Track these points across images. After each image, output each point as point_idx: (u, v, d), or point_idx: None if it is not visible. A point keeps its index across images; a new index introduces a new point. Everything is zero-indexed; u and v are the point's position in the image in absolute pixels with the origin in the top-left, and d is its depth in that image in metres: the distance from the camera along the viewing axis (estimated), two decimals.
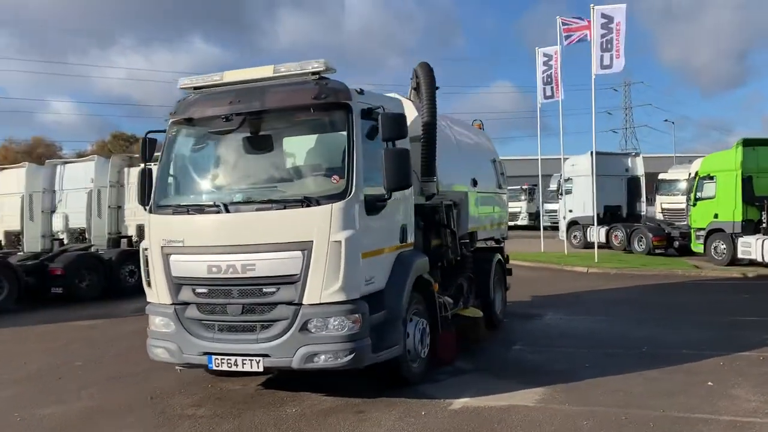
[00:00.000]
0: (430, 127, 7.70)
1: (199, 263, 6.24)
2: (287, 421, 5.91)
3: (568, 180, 25.57)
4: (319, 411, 6.15)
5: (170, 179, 6.78)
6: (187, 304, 6.35)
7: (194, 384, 7.16)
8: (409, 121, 7.70)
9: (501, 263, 10.51)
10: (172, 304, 6.40)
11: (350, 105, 6.19)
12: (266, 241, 6.04)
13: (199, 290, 6.27)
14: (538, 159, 25.26)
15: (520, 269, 18.82)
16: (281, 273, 5.98)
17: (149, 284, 6.58)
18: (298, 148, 6.57)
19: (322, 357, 5.91)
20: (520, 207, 39.42)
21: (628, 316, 10.87)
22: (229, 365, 6.14)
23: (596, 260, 19.13)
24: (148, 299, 6.65)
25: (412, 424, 5.71)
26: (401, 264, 6.77)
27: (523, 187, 39.93)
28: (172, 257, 6.38)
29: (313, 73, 6.31)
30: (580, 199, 24.74)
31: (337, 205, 5.94)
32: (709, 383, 6.60)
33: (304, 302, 5.93)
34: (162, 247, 6.42)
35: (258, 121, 6.40)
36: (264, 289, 6.04)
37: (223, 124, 6.35)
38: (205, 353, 6.24)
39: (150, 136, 6.95)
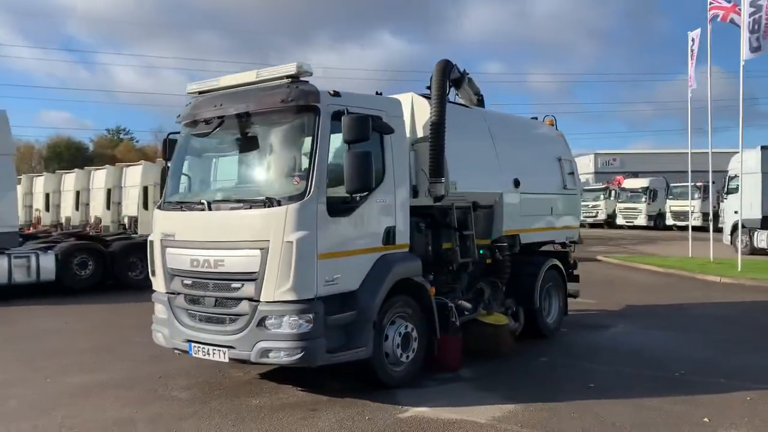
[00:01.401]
0: (436, 128, 7.53)
1: (185, 256, 6.71)
2: (241, 411, 6.18)
3: (734, 177, 23.12)
4: (277, 405, 6.36)
5: (174, 178, 7.32)
6: (176, 293, 6.84)
7: (206, 369, 7.63)
8: (422, 122, 7.66)
9: (557, 269, 9.90)
10: (167, 293, 6.93)
11: (318, 107, 6.28)
12: (233, 239, 6.35)
13: (185, 281, 6.73)
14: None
15: (647, 275, 17.74)
16: (244, 270, 6.25)
17: (153, 273, 7.17)
18: (273, 149, 6.76)
19: (276, 353, 6.09)
20: (692, 206, 36.36)
21: (710, 334, 9.73)
22: (204, 354, 6.53)
23: (739, 269, 17.20)
24: (153, 287, 7.25)
25: (348, 427, 5.72)
26: (381, 266, 6.73)
27: (697, 184, 36.79)
28: (167, 250, 6.91)
29: (288, 77, 6.48)
30: (747, 200, 22.28)
31: (293, 207, 6.07)
32: (705, 419, 5.82)
33: (261, 299, 6.15)
34: (161, 240, 6.98)
35: (236, 124, 6.71)
36: (232, 285, 6.35)
37: (204, 127, 6.78)
38: (188, 341, 6.69)
39: (171, 137, 7.55)
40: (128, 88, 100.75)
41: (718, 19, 18.42)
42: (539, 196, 9.55)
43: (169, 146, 7.53)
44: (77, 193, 27.02)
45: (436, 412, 6.07)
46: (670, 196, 38.25)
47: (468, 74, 9.15)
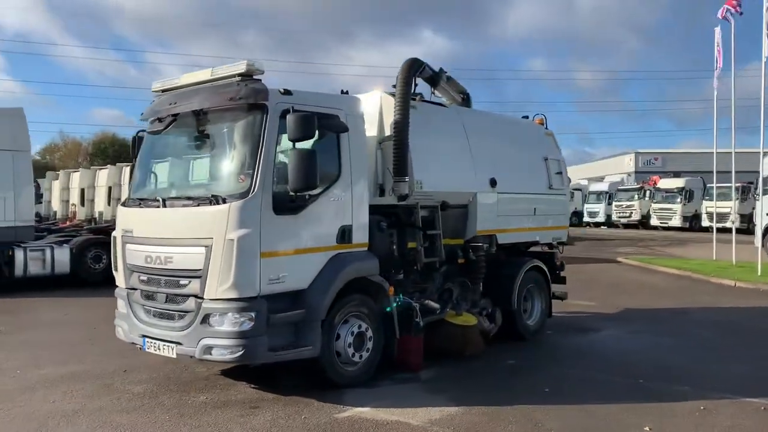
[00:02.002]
0: (399, 126, 7.49)
1: (141, 253, 6.82)
2: (185, 407, 6.26)
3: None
4: (222, 401, 6.42)
5: (137, 176, 7.45)
6: (134, 289, 6.96)
7: (171, 364, 7.70)
8: (391, 121, 7.61)
9: (540, 270, 9.74)
10: (126, 288, 7.06)
11: (266, 105, 6.30)
12: (181, 236, 6.43)
13: (141, 277, 6.84)
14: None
15: (661, 278, 17.31)
16: (190, 267, 6.32)
17: (115, 269, 7.30)
18: (222, 147, 6.81)
19: (218, 350, 6.14)
20: (729, 207, 35.24)
21: (699, 341, 9.43)
22: (155, 349, 6.63)
23: (759, 273, 16.63)
24: (116, 282, 7.38)
25: (280, 425, 5.74)
26: (333, 265, 6.72)
27: (736, 185, 35.62)
28: (127, 246, 7.03)
29: (239, 75, 6.52)
30: None
31: (234, 205, 6.12)
32: (646, 428, 5.65)
33: (205, 297, 6.21)
34: (122, 236, 7.11)
35: (189, 122, 6.79)
36: (180, 281, 6.43)
37: (158, 125, 6.89)
38: (142, 335, 6.80)
39: (140, 134, 7.67)
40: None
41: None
42: (520, 196, 9.40)
43: (138, 144, 7.65)
44: (109, 189, 27.73)
45: (374, 413, 6.05)
46: (707, 197, 37.21)
47: (446, 73, 9.07)
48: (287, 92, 6.50)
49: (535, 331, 9.54)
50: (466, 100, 10.08)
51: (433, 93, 8.96)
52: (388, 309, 7.22)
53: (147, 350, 6.74)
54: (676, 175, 44.80)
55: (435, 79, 8.81)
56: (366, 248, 7.13)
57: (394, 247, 7.70)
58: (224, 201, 6.18)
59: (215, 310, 6.13)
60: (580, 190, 45.92)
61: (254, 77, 6.53)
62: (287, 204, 6.33)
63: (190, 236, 6.35)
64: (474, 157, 8.64)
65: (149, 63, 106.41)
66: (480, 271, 8.72)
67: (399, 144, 7.50)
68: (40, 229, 17.27)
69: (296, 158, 6.11)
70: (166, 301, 6.59)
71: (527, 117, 10.68)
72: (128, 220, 7.11)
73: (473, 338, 8.21)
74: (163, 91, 7.32)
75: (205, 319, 6.19)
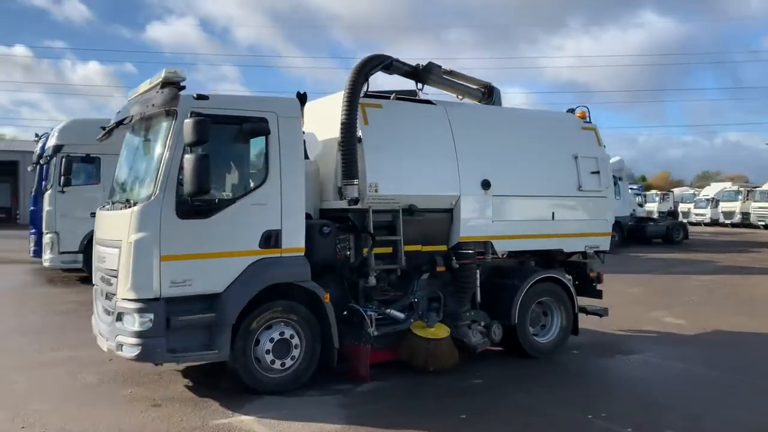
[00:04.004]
0: (345, 128, 7.21)
1: (96, 252, 7.34)
2: (102, 397, 6.66)
3: None
4: (140, 396, 6.68)
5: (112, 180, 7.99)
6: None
7: None
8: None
9: (559, 282, 8.70)
10: (94, 284, 7.64)
11: (176, 111, 6.43)
12: (109, 238, 6.82)
13: (98, 274, 7.35)
14: None
15: None
16: (112, 267, 6.65)
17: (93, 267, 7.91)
18: (146, 152, 7.01)
19: (125, 348, 6.39)
20: None
21: (750, 381, 7.79)
22: (99, 342, 7.08)
23: None
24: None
25: (158, 425, 5.83)
26: (252, 270, 6.65)
27: None
28: (95, 246, 7.61)
29: (161, 83, 6.72)
30: None
31: (135, 209, 6.34)
32: None
33: (117, 296, 6.51)
34: (94, 236, 7.71)
35: (130, 128, 7.15)
36: (110, 280, 6.80)
37: (105, 132, 7.37)
38: (98, 329, 7.31)
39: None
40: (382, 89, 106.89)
41: None
42: (529, 199, 8.48)
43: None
44: None
45: (252, 422, 5.91)
46: None
47: (440, 67, 8.49)
48: (202, 97, 6.56)
49: (549, 350, 8.55)
50: (488, 95, 9.37)
51: (420, 89, 8.43)
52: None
53: (98, 343, 7.21)
54: None
55: (419, 74, 8.29)
56: (301, 253, 6.94)
57: (349, 253, 7.40)
58: (134, 204, 6.43)
59: (124, 310, 6.39)
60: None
61: (175, 84, 6.67)
62: (194, 208, 6.39)
63: (112, 238, 6.70)
64: (460, 157, 7.96)
65: None
66: (467, 280, 8.04)
67: (345, 146, 7.20)
68: None
69: (188, 163, 6.15)
70: (105, 298, 7.01)
71: (573, 110, 9.61)
72: (97, 221, 7.67)
73: (441, 352, 7.59)
74: (129, 100, 7.78)
75: (119, 318, 6.48)
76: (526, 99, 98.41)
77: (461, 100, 9.17)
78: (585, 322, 9.66)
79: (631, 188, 35.34)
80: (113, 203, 7.18)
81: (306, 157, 7.99)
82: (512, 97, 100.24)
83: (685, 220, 38.84)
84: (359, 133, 7.37)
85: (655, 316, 11.68)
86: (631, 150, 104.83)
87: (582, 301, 9.31)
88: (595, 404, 6.56)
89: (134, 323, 6.28)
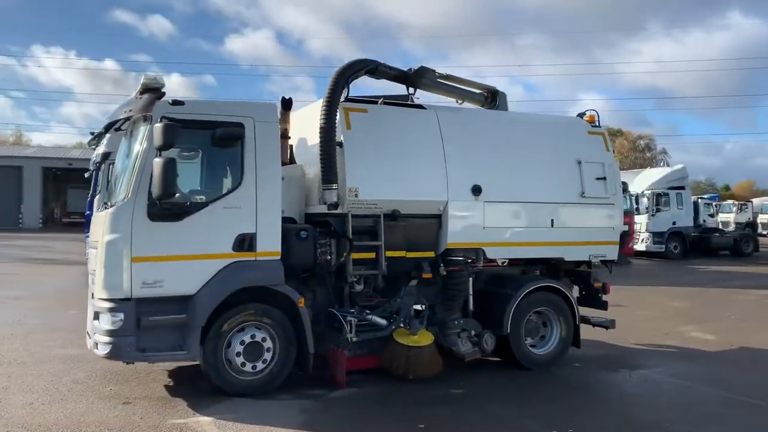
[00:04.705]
0: (323, 132, 7.21)
1: (88, 254, 7.61)
2: (83, 394, 6.83)
3: None
4: (116, 394, 6.86)
5: None
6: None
7: None
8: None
9: (558, 291, 8.39)
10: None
11: (152, 117, 6.60)
12: (93, 239, 7.05)
13: (90, 276, 7.61)
14: None
15: None
16: (93, 267, 6.88)
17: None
18: (128, 155, 7.17)
19: (100, 346, 6.59)
20: None
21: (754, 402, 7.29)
22: (87, 343, 7.32)
23: None
24: None
25: (116, 422, 5.96)
26: (225, 273, 6.72)
27: None
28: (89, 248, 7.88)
29: (141, 89, 6.91)
30: None
31: (109, 210, 6.56)
32: None
33: (94, 295, 6.72)
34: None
35: (122, 133, 7.36)
36: (94, 279, 7.03)
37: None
38: (87, 330, 7.55)
39: None
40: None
41: None
42: (524, 206, 8.23)
43: None
44: None
45: (208, 424, 5.94)
46: None
47: (434, 71, 8.38)
48: (177, 102, 6.70)
49: (547, 362, 8.25)
50: (491, 99, 9.18)
51: (412, 93, 8.33)
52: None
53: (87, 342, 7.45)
54: None
55: (409, 78, 8.20)
56: (277, 257, 6.97)
57: (329, 257, 7.37)
58: (111, 206, 6.64)
59: (99, 309, 6.59)
60: None
61: (155, 90, 6.84)
62: (165, 211, 6.52)
63: (95, 239, 6.93)
64: (449, 162, 7.82)
65: None
66: (456, 288, 7.88)
67: (324, 150, 7.21)
68: None
69: (154, 167, 6.28)
70: (91, 298, 7.24)
71: (583, 114, 9.29)
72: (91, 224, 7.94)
73: (421, 360, 7.43)
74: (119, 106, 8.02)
75: (96, 317, 6.68)
76: (603, 105, 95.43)
77: (461, 104, 9.01)
78: (599, 334, 9.34)
79: (701, 198, 33.91)
80: (103, 205, 7.43)
81: (293, 161, 8.09)
82: (589, 103, 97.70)
83: (765, 232, 36.97)
84: (341, 138, 7.36)
85: (683, 331, 11.12)
86: (716, 158, 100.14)
87: (589, 312, 8.98)
88: (569, 419, 6.26)
89: (106, 322, 6.46)
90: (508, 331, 7.99)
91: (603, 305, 8.90)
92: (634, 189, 26.04)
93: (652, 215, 25.81)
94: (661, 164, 47.50)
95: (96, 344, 6.62)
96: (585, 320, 8.85)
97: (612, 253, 8.84)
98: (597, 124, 9.06)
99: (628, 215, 24.22)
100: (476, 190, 7.88)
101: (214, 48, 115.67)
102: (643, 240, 25.90)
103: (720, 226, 32.73)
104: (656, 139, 70.50)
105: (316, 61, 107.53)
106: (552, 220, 8.38)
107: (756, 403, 6.93)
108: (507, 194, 8.12)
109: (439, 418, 6.24)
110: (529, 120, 9.18)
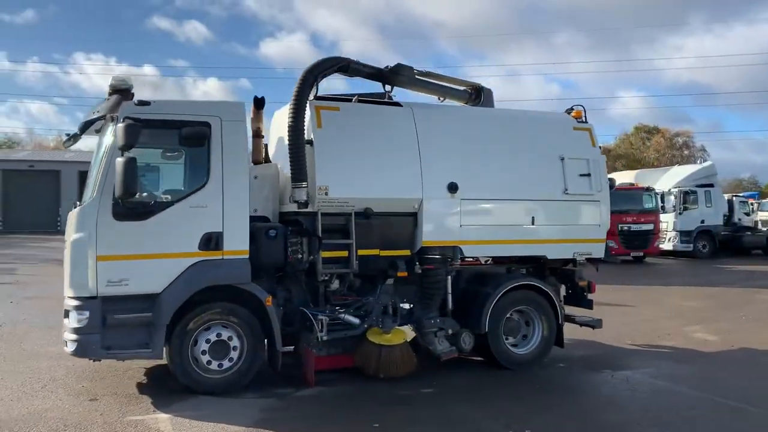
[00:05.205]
0: (290, 131, 7.22)
1: None
2: (59, 392, 6.97)
3: None
4: (88, 390, 6.98)
5: None
6: None
7: None
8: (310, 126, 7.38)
9: (540, 290, 8.23)
10: None
11: (116, 117, 6.69)
12: (65, 239, 7.17)
13: None
14: None
15: None
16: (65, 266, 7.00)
17: None
18: (99, 157, 7.23)
19: (67, 344, 6.70)
20: None
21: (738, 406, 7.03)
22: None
23: None
24: None
25: (75, 417, 6.06)
26: (190, 271, 6.76)
27: None
28: None
29: (109, 91, 7.01)
30: None
31: (75, 211, 6.66)
32: None
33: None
34: None
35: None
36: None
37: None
38: None
39: None
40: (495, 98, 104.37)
41: None
42: (504, 203, 8.10)
43: None
44: None
45: (164, 421, 5.99)
46: None
47: (412, 68, 8.30)
48: (143, 103, 6.77)
49: (528, 362, 8.10)
50: (476, 96, 9.06)
51: (389, 92, 8.26)
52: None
53: None
54: None
55: (385, 76, 8.14)
56: (244, 256, 6.99)
57: (300, 256, 7.35)
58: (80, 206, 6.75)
59: (67, 307, 6.70)
60: None
61: (123, 91, 6.94)
62: (130, 210, 6.60)
63: (65, 238, 7.05)
64: (424, 160, 7.74)
65: (468, 78, 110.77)
66: (433, 286, 7.80)
67: (293, 148, 7.22)
68: None
69: (116, 167, 6.36)
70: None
71: (570, 110, 9.11)
72: None
73: (392, 359, 7.37)
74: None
75: (66, 315, 6.80)
76: (642, 102, 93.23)
77: (443, 101, 8.92)
78: (595, 334, 9.17)
79: (736, 195, 32.95)
80: (74, 205, 7.52)
81: (268, 160, 8.12)
82: (628, 100, 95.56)
83: None
84: (311, 136, 7.36)
85: (687, 331, 10.81)
86: (761, 155, 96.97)
87: (576, 311, 8.80)
88: (531, 419, 6.14)
89: (73, 320, 6.56)
90: (486, 329, 7.87)
91: (588, 304, 8.71)
92: (659, 187, 25.45)
93: (679, 213, 25.15)
94: (699, 161, 46.44)
95: (65, 341, 6.73)
96: (570, 319, 8.67)
97: (598, 250, 8.63)
98: (584, 119, 8.87)
99: (653, 214, 23.78)
100: (452, 188, 7.78)
101: (249, 52, 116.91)
102: (669, 239, 25.27)
103: (759, 225, 31.75)
104: (697, 136, 68.86)
105: None
106: (533, 217, 8.24)
107: (734, 405, 6.67)
108: (485, 192, 8.01)
109: (397, 418, 6.17)
110: (510, 116, 8.99)
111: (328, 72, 7.72)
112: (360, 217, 7.49)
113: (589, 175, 8.47)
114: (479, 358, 8.28)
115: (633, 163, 56.27)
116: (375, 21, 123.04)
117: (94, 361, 7.02)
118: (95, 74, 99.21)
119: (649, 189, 24.49)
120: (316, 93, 7.58)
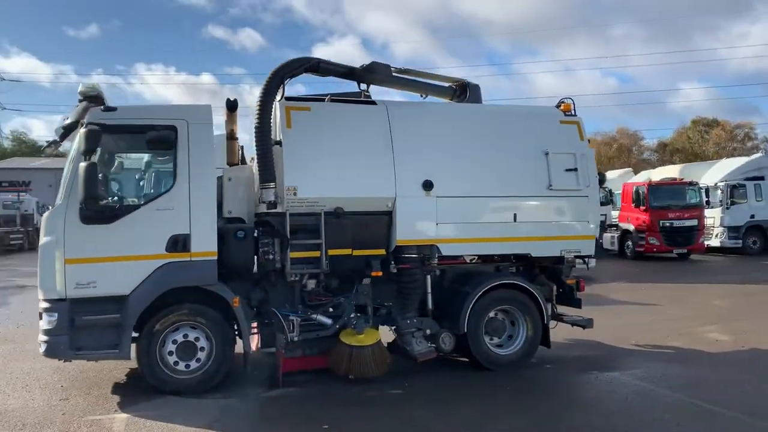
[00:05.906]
0: (257, 131, 7.24)
1: None
2: (37, 389, 7.20)
3: None
4: (64, 389, 7.19)
5: None
6: None
7: None
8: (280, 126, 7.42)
9: (524, 289, 7.98)
10: None
11: (82, 122, 6.85)
12: None
13: None
14: None
15: None
16: None
17: None
18: (68, 162, 7.40)
19: (41, 345, 6.89)
20: None
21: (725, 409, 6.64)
22: None
23: None
24: None
25: (39, 414, 6.23)
26: (157, 273, 6.85)
27: None
28: None
29: (79, 98, 7.18)
30: None
31: (45, 215, 6.84)
32: None
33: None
34: None
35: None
36: None
37: None
38: None
39: None
40: (547, 94, 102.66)
41: None
42: (483, 200, 7.90)
43: None
44: None
45: (121, 421, 6.11)
46: None
47: (388, 66, 8.22)
48: (109, 109, 6.92)
49: (511, 363, 7.87)
50: (461, 92, 8.90)
51: (365, 91, 8.19)
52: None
53: None
54: None
55: (358, 74, 8.07)
56: (213, 258, 7.04)
57: (271, 257, 7.36)
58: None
59: (40, 309, 6.89)
60: None
61: (92, 98, 7.09)
62: (96, 214, 6.73)
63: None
64: (398, 158, 7.63)
65: (521, 74, 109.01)
66: (409, 286, 7.68)
67: (260, 149, 7.23)
68: None
69: (78, 171, 6.50)
70: None
71: (560, 103, 8.82)
72: None
73: (363, 360, 7.27)
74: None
75: (40, 317, 6.99)
76: (705, 94, 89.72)
77: (425, 98, 8.79)
78: (596, 334, 8.89)
79: None
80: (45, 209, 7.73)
81: (243, 162, 8.16)
82: (689, 92, 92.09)
83: None
84: (279, 137, 7.36)
85: (700, 331, 10.31)
86: None
87: (567, 311, 8.53)
88: (490, 421, 5.98)
89: (44, 322, 6.74)
90: (465, 330, 7.70)
91: (577, 303, 8.41)
92: (705, 181, 24.44)
93: (726, 208, 24.09)
94: (762, 153, 44.38)
95: (39, 342, 6.93)
96: (559, 319, 8.40)
97: (588, 248, 8.33)
98: (572, 113, 8.58)
99: (697, 209, 22.86)
100: (427, 186, 7.65)
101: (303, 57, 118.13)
102: (717, 235, 24.22)
103: None
104: (760, 127, 65.83)
105: (402, 64, 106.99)
106: (515, 214, 8.01)
107: (716, 410, 6.29)
108: (462, 189, 7.83)
109: (350, 420, 6.09)
110: (491, 112, 8.76)
111: (297, 72, 7.72)
112: (330, 217, 7.44)
113: (575, 169, 8.18)
114: (465, 359, 8.11)
115: (691, 157, 54.28)
116: (425, 22, 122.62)
117: (64, 361, 7.17)
118: (156, 84, 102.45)
119: (692, 183, 23.56)
120: (284, 94, 7.57)
